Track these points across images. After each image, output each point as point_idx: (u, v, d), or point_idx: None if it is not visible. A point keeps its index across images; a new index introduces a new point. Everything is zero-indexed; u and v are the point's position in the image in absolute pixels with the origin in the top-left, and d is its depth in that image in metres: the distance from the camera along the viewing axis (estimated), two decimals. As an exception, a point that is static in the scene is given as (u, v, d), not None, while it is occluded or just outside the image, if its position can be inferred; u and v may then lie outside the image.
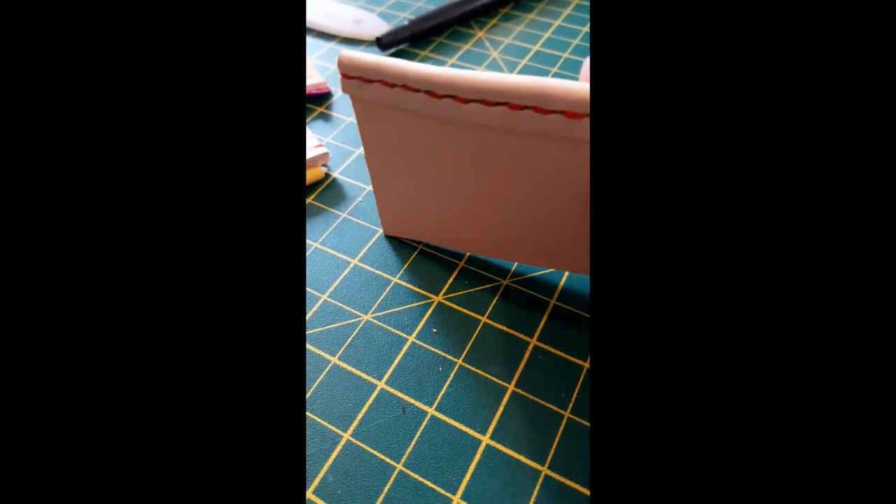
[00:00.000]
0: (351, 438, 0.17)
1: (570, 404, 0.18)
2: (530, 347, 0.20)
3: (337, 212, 0.24)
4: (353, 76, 0.18)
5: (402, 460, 0.17)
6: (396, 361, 0.19)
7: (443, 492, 0.16)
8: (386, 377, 0.19)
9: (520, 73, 0.32)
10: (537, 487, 0.16)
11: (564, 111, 0.16)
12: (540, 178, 0.18)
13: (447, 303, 0.21)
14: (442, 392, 0.19)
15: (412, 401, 0.18)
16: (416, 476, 0.17)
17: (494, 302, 0.21)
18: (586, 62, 0.17)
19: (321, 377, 0.19)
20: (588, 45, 0.34)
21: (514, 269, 0.22)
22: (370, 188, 0.26)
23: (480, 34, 0.35)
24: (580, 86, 0.15)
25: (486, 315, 0.21)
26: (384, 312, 0.21)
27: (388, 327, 0.20)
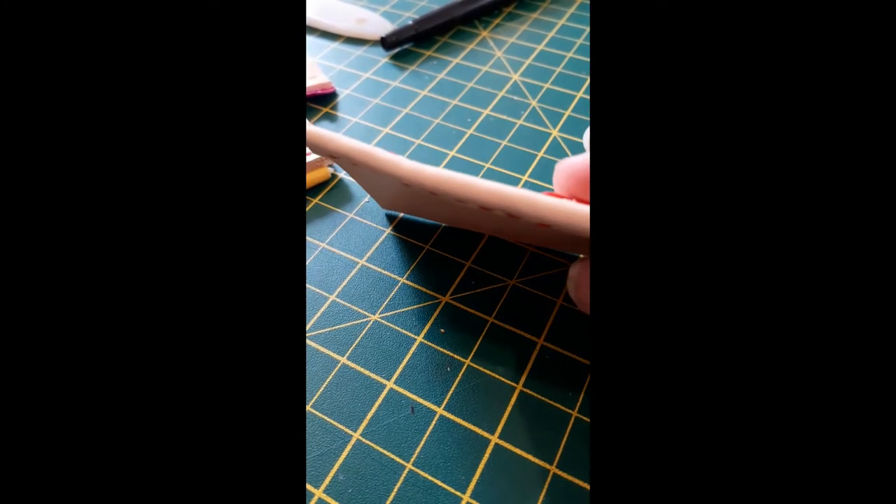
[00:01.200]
0: (361, 438, 0.18)
1: (578, 404, 0.18)
2: (538, 347, 0.20)
3: (343, 212, 0.25)
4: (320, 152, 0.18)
5: (412, 459, 0.17)
6: (405, 361, 0.20)
7: (452, 490, 0.16)
8: (394, 377, 0.19)
9: (524, 72, 0.32)
10: (546, 486, 0.17)
11: (537, 223, 0.15)
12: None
13: (454, 303, 0.21)
14: (450, 392, 0.19)
15: (421, 400, 0.19)
16: (426, 475, 0.17)
17: (501, 302, 0.21)
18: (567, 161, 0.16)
19: (330, 377, 0.19)
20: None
21: (520, 269, 0.22)
22: (376, 188, 0.26)
23: (485, 34, 0.35)
24: (549, 206, 0.15)
25: (494, 315, 0.21)
26: (392, 312, 0.21)
27: (396, 327, 0.20)
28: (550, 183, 0.26)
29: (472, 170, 0.26)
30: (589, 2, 0.38)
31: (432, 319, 0.21)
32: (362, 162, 0.17)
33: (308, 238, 0.24)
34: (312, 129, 0.18)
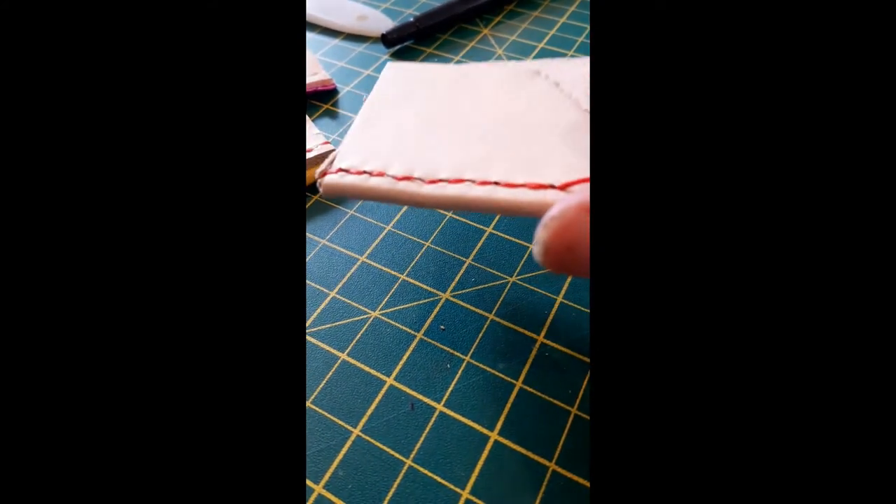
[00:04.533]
0: (360, 434, 0.18)
1: (577, 401, 0.18)
2: (537, 344, 0.20)
3: (344, 209, 0.25)
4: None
5: (412, 456, 0.17)
6: (405, 358, 0.20)
7: (452, 487, 0.17)
8: (394, 373, 0.19)
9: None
10: (545, 483, 0.17)
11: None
12: None
13: (454, 300, 0.21)
14: (450, 388, 0.19)
15: (421, 397, 0.19)
16: (426, 471, 0.17)
17: (501, 299, 0.21)
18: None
19: (330, 373, 0.19)
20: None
21: (520, 266, 0.22)
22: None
23: (486, 31, 0.35)
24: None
25: (494, 312, 0.21)
26: (392, 309, 0.21)
27: (397, 324, 0.20)
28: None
29: (473, 167, 0.26)
30: (589, 1, 0.38)
31: (432, 316, 0.21)
32: (384, 200, 0.17)
33: (308, 235, 0.24)
34: (333, 181, 0.18)
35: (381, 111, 0.20)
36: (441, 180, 0.17)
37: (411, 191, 0.17)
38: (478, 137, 0.18)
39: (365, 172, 0.18)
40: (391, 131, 0.19)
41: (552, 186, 0.15)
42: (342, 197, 0.19)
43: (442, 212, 0.24)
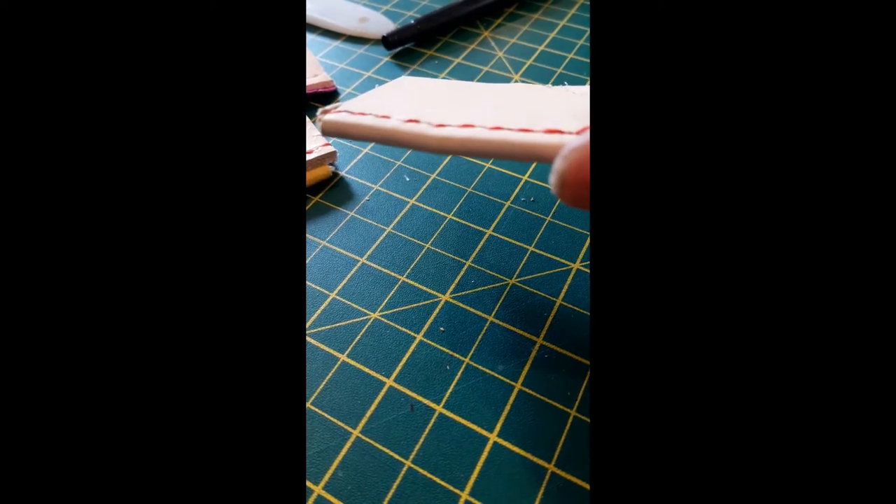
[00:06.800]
0: (360, 435, 0.18)
1: (576, 403, 0.18)
2: (537, 346, 0.20)
3: (345, 210, 0.25)
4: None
5: (411, 457, 0.17)
6: (404, 359, 0.20)
7: (451, 488, 0.17)
8: (394, 375, 0.19)
9: (525, 73, 0.32)
10: (544, 485, 0.17)
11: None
12: None
13: (454, 301, 0.21)
14: (449, 390, 0.19)
15: (420, 398, 0.19)
16: (425, 472, 0.17)
17: (501, 301, 0.21)
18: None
19: (330, 374, 0.19)
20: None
21: (520, 268, 0.22)
22: (377, 187, 0.26)
23: (486, 34, 0.35)
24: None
25: (493, 314, 0.21)
26: (392, 311, 0.21)
27: (396, 325, 0.21)
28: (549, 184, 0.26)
29: (472, 170, 0.26)
30: (589, 3, 0.38)
31: (432, 318, 0.21)
32: (389, 143, 0.16)
33: (309, 236, 0.24)
34: (333, 118, 0.17)
35: (387, 90, 0.20)
36: (450, 126, 0.15)
37: (419, 131, 0.15)
38: (486, 106, 0.17)
39: (370, 114, 0.17)
40: (398, 98, 0.18)
41: (568, 133, 0.14)
42: (343, 138, 0.17)
43: (442, 213, 0.25)
